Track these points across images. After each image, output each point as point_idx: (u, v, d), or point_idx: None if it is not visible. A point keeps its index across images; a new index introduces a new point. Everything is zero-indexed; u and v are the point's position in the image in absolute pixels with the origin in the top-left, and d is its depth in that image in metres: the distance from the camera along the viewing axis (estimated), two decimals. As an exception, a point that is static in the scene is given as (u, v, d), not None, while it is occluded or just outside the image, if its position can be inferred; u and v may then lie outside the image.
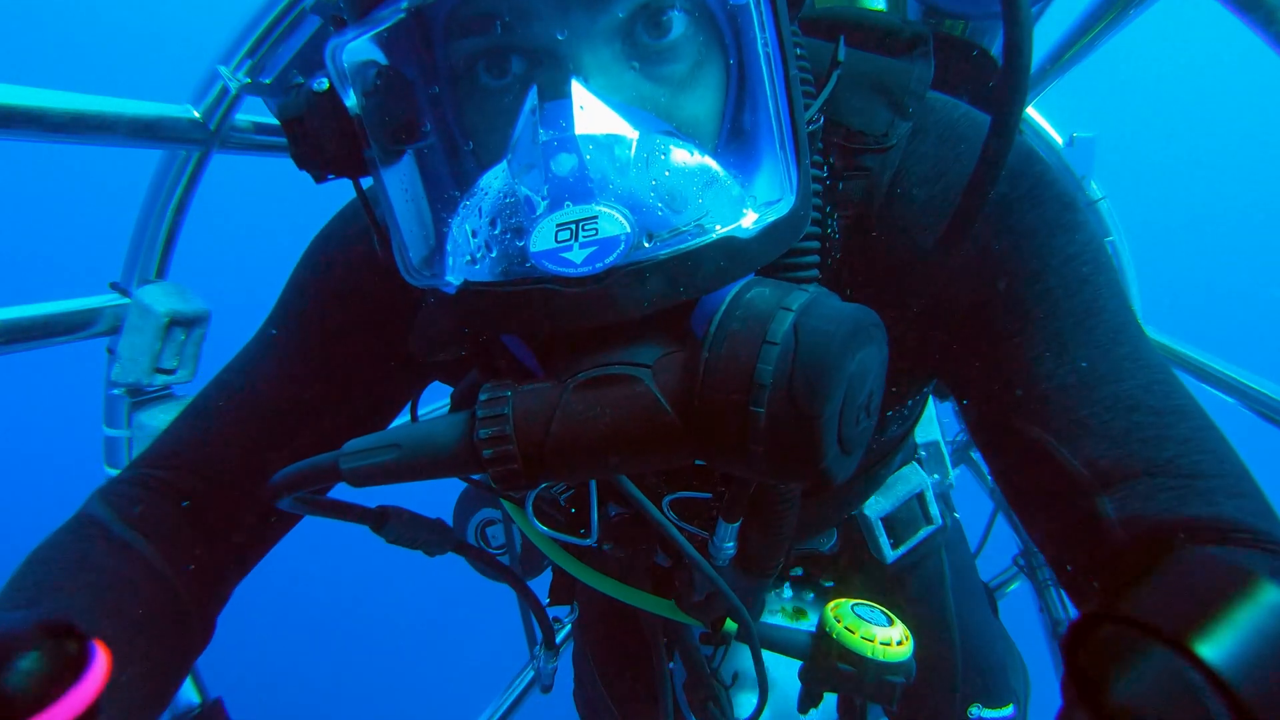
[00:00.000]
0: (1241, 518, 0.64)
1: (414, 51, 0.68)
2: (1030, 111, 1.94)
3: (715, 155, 0.65)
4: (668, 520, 0.73)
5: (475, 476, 0.83)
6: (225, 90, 1.41)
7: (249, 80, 1.41)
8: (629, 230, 0.55)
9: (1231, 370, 1.61)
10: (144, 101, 1.34)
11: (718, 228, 0.59)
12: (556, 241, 0.55)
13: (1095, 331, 0.71)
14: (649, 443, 0.55)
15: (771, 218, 0.61)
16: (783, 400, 0.52)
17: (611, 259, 0.55)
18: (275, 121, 1.58)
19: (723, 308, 0.56)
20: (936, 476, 1.47)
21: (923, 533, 1.24)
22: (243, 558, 0.93)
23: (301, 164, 0.67)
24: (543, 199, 0.56)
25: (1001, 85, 0.66)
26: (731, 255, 0.59)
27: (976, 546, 1.94)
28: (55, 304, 1.34)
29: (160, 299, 1.42)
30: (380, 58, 0.66)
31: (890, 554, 1.20)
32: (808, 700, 0.89)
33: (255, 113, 1.53)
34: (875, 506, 1.19)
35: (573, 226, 0.55)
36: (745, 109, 0.67)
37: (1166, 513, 0.65)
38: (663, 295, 0.56)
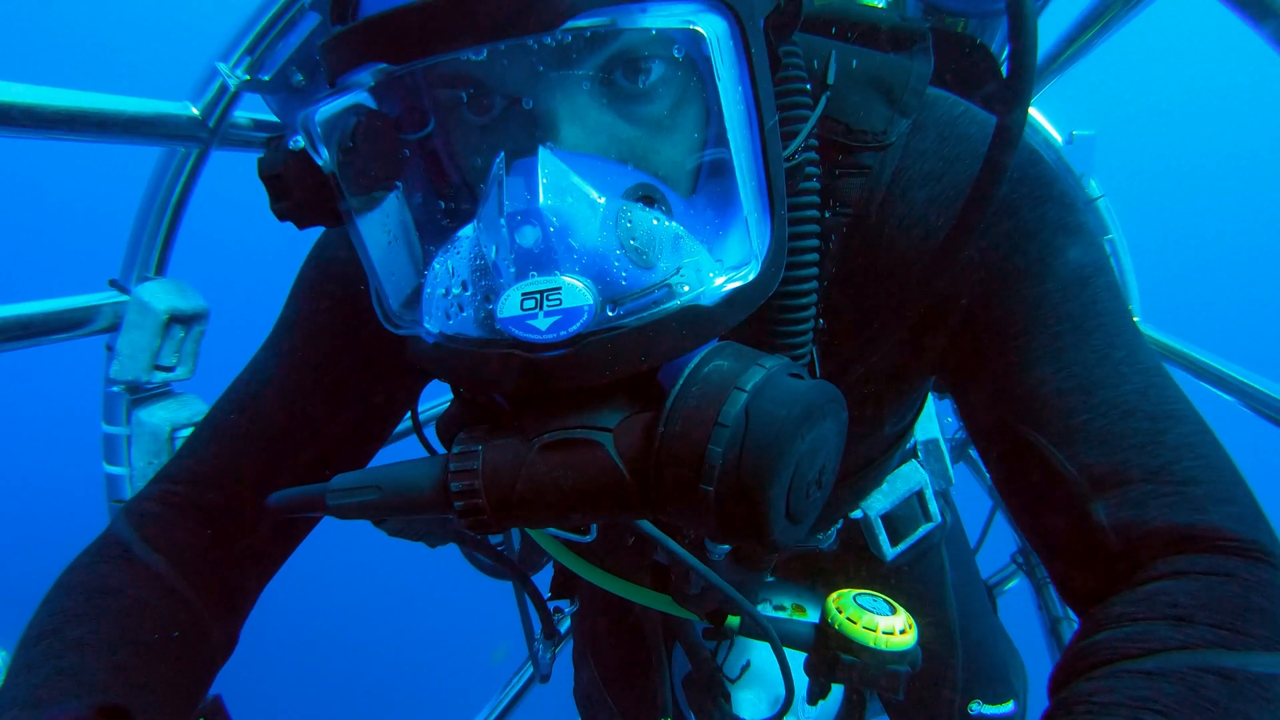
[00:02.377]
0: (1230, 525, 0.64)
1: (395, 100, 0.69)
2: (1030, 109, 1.94)
3: (688, 207, 0.66)
4: (655, 527, 0.73)
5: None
6: (224, 87, 1.41)
7: (248, 77, 1.41)
8: (591, 301, 0.57)
9: (1231, 369, 1.61)
10: (143, 99, 1.34)
11: (685, 288, 0.60)
12: (522, 309, 0.57)
13: (1092, 335, 0.71)
14: (607, 503, 0.59)
15: (735, 283, 0.62)
16: (731, 481, 0.55)
17: (575, 328, 0.57)
18: (275, 119, 1.58)
19: (681, 381, 0.58)
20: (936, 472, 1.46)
21: (922, 530, 1.24)
22: (262, 567, 0.94)
23: (281, 217, 0.68)
24: (509, 266, 0.58)
25: (1006, 92, 0.66)
26: (694, 323, 0.60)
27: (975, 544, 1.94)
28: (54, 301, 1.34)
29: (159, 296, 1.42)
30: (368, 101, 0.67)
31: (890, 552, 1.20)
32: (816, 693, 0.89)
33: (254, 110, 1.53)
34: (874, 505, 1.19)
35: (537, 296, 0.57)
36: (722, 157, 0.67)
37: (1158, 520, 0.65)
38: (624, 364, 0.58)
